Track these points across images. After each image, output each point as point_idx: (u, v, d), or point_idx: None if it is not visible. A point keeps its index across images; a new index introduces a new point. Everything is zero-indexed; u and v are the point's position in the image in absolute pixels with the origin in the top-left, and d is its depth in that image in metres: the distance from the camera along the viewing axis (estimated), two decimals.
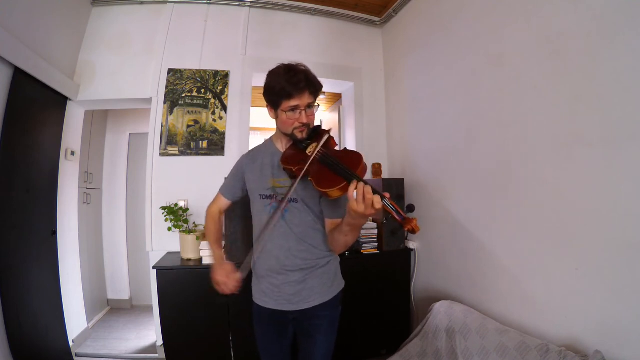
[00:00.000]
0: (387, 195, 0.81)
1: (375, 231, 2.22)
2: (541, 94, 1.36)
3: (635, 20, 1.03)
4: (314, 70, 1.02)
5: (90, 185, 3.01)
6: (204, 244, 1.95)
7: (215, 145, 2.39)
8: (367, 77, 2.78)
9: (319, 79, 1.08)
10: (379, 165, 2.48)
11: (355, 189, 0.83)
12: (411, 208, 0.84)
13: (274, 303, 1.14)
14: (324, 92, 3.23)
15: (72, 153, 2.43)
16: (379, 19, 2.77)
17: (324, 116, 3.95)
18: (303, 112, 1.04)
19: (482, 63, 1.69)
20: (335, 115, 3.27)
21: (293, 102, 1.03)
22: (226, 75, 2.44)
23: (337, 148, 1.10)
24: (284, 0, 2.57)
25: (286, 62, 1.09)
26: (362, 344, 2.15)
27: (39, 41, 1.92)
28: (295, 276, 1.10)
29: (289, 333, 1.23)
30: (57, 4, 2.05)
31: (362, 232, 2.19)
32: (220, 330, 1.92)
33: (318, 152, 1.00)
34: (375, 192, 0.81)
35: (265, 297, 1.16)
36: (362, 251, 2.18)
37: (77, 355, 2.29)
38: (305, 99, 1.04)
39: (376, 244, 2.21)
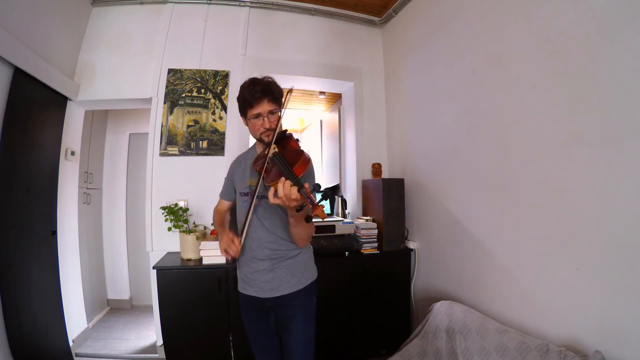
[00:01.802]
0: (306, 185, 0.93)
1: (375, 231, 2.22)
2: (541, 94, 1.36)
3: (635, 20, 1.03)
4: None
5: (90, 185, 3.01)
6: (204, 244, 1.96)
7: (215, 145, 2.39)
8: (367, 77, 2.78)
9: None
10: (379, 165, 2.48)
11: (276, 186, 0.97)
12: (326, 197, 1.00)
13: (251, 290, 1.25)
14: (324, 92, 3.23)
15: (72, 153, 2.43)
16: (379, 19, 2.78)
17: (324, 116, 3.95)
18: (266, 119, 1.17)
19: (482, 63, 1.69)
20: (335, 115, 3.27)
21: (255, 111, 1.17)
22: (226, 75, 2.44)
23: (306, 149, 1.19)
24: (284, 0, 2.57)
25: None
26: (362, 344, 2.15)
27: (39, 41, 1.92)
28: (264, 264, 1.22)
29: (273, 323, 1.31)
30: (57, 4, 2.05)
31: (362, 232, 2.19)
32: (220, 330, 1.92)
33: (273, 153, 1.10)
34: (296, 184, 0.94)
35: (245, 284, 1.28)
36: (362, 251, 2.18)
37: (77, 355, 2.29)
38: (266, 107, 1.17)
39: (376, 244, 2.22)
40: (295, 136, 1.25)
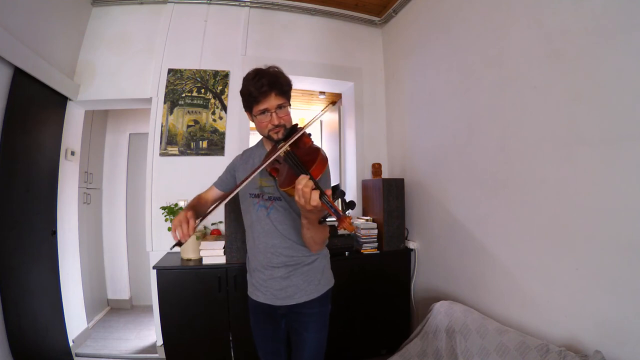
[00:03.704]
0: (329, 193, 0.83)
1: (375, 231, 2.22)
2: (541, 94, 1.36)
3: (635, 20, 1.03)
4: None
5: (90, 185, 3.01)
6: (204, 244, 1.96)
7: (215, 145, 2.39)
8: (367, 77, 2.78)
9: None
10: (379, 165, 2.48)
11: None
12: (351, 205, 0.87)
13: (263, 297, 1.18)
14: (324, 92, 3.23)
15: (72, 153, 2.43)
16: (379, 19, 2.78)
17: (324, 116, 3.95)
18: (274, 114, 1.07)
19: (482, 63, 1.69)
20: (335, 115, 3.27)
21: (261, 106, 1.06)
22: (226, 75, 2.44)
23: (314, 145, 1.08)
24: (284, 0, 2.57)
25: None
26: (362, 344, 2.15)
27: (39, 41, 1.92)
28: (279, 272, 1.14)
29: (282, 329, 1.25)
30: (57, 4, 2.05)
31: (362, 231, 2.19)
32: (220, 330, 1.92)
33: (284, 151, 1.00)
34: (317, 188, 0.83)
35: (256, 290, 1.21)
36: (362, 251, 2.18)
37: (77, 355, 2.29)
38: (273, 101, 1.06)
39: (376, 244, 2.22)
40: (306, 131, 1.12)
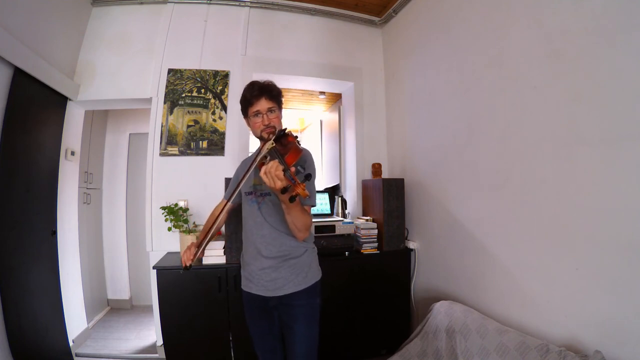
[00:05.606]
0: (292, 169, 0.98)
1: (375, 231, 2.22)
2: (541, 94, 1.36)
3: (635, 20, 1.03)
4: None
5: (90, 185, 3.01)
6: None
7: (215, 145, 2.39)
8: (367, 77, 2.78)
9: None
10: (379, 165, 2.48)
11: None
12: (308, 177, 1.02)
13: (255, 288, 1.27)
14: (324, 92, 3.23)
15: (72, 153, 2.43)
16: (379, 19, 2.78)
17: (324, 116, 3.95)
18: (265, 116, 1.24)
19: (482, 63, 1.69)
20: (335, 115, 3.27)
21: (254, 108, 1.25)
22: (226, 75, 2.44)
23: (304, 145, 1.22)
24: (284, 0, 2.58)
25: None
26: (362, 344, 2.15)
27: (39, 41, 1.92)
28: (269, 262, 1.24)
29: (277, 325, 1.31)
30: (57, 4, 2.05)
31: (362, 231, 2.20)
32: (220, 330, 1.92)
33: (268, 147, 1.12)
34: (282, 164, 0.98)
35: (249, 282, 1.30)
36: (362, 251, 2.18)
37: (77, 355, 2.29)
38: (264, 104, 1.24)
39: (376, 244, 2.22)
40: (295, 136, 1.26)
